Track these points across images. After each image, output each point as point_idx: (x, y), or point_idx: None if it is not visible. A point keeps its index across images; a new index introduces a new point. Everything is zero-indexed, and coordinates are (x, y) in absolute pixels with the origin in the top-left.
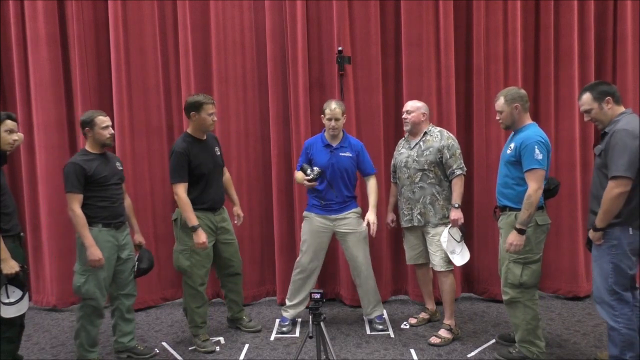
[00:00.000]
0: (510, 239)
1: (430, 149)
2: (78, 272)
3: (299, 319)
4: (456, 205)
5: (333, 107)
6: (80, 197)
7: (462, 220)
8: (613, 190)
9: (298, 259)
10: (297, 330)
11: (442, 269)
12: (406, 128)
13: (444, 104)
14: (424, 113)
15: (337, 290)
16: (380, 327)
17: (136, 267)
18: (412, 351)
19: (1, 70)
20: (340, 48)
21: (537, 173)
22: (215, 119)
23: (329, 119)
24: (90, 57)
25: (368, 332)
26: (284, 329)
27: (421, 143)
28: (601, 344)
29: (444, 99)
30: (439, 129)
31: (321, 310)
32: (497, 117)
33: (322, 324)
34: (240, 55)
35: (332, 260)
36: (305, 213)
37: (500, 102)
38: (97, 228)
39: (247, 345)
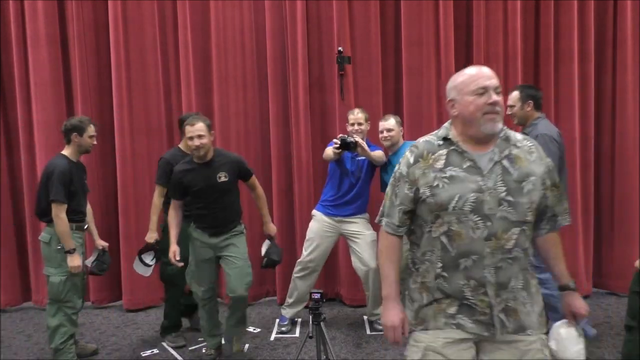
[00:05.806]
0: None
1: None
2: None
3: (299, 319)
4: None
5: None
6: None
7: None
8: None
9: (301, 257)
10: (297, 330)
11: None
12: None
13: (444, 104)
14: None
15: (337, 290)
16: (381, 327)
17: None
18: None
19: (1, 70)
20: (340, 48)
21: None
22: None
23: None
24: (90, 57)
25: (368, 332)
26: (283, 328)
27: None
28: (601, 344)
29: (444, 99)
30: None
31: (321, 310)
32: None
33: (322, 324)
34: (240, 55)
35: (332, 260)
36: (313, 212)
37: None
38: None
39: (247, 346)
